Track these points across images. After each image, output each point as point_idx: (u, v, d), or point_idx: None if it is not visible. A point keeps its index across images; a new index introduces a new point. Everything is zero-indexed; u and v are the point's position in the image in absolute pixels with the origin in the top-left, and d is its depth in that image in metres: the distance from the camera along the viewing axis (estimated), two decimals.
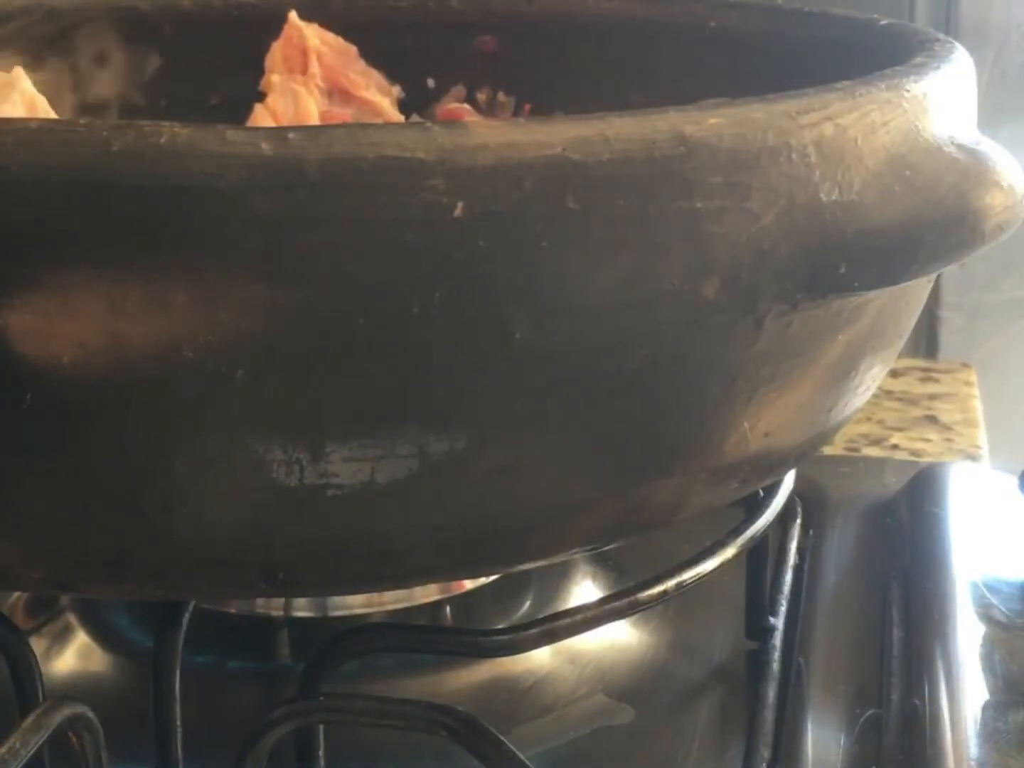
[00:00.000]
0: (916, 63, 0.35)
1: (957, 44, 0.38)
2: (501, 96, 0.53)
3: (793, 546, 0.47)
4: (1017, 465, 0.51)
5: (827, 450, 0.53)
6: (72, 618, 0.45)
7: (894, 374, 0.72)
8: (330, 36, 0.51)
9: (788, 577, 0.45)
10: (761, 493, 0.42)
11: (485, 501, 0.30)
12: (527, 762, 0.32)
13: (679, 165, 0.28)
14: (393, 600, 0.43)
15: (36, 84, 0.47)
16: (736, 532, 0.41)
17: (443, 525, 0.30)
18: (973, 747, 0.37)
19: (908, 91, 0.32)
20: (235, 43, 0.53)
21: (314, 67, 0.49)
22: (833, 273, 0.30)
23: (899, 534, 0.51)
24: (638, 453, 0.31)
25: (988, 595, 0.44)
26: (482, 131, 0.26)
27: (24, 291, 0.25)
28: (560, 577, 0.47)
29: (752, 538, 0.41)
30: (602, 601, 0.38)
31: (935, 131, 0.32)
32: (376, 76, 0.51)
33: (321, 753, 0.35)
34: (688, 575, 0.38)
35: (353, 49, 0.51)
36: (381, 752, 0.39)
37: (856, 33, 0.44)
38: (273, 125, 0.48)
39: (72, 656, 0.44)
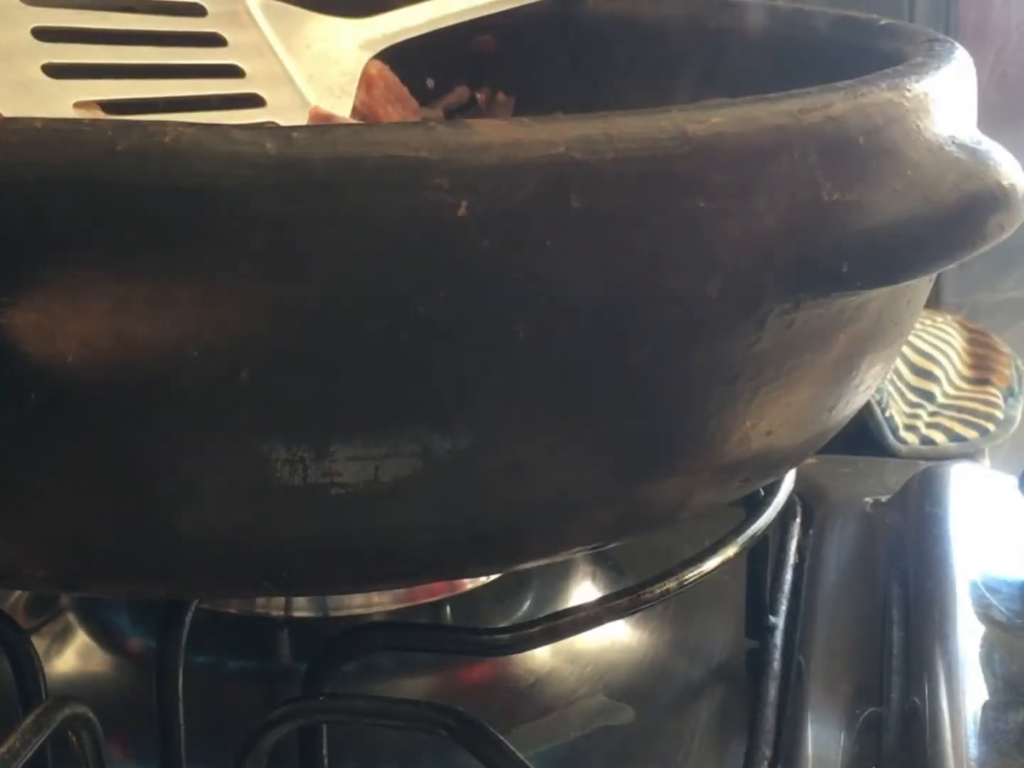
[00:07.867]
0: (916, 63, 0.35)
1: (957, 44, 0.38)
2: (501, 96, 0.53)
3: (793, 545, 0.47)
4: (1017, 465, 0.51)
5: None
6: (72, 618, 0.45)
7: None
8: (395, 81, 0.50)
9: (788, 576, 0.45)
10: (762, 492, 0.42)
11: (488, 500, 0.30)
12: (527, 762, 0.32)
13: (682, 164, 0.28)
14: (393, 600, 0.43)
15: None
16: (737, 531, 0.41)
17: (446, 524, 0.30)
18: (973, 747, 0.37)
19: (909, 91, 0.32)
20: None
21: (363, 92, 0.48)
22: (835, 272, 0.30)
23: (899, 534, 0.51)
24: (641, 452, 0.31)
25: (988, 595, 0.44)
26: (486, 130, 0.26)
27: (29, 290, 0.25)
28: (560, 577, 0.47)
29: (753, 537, 0.41)
30: (602, 601, 0.38)
31: (936, 130, 0.32)
32: None
33: (322, 753, 0.35)
34: (689, 574, 0.38)
35: (413, 102, 0.50)
36: (381, 752, 0.39)
37: (856, 33, 0.44)
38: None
39: (72, 656, 0.44)
